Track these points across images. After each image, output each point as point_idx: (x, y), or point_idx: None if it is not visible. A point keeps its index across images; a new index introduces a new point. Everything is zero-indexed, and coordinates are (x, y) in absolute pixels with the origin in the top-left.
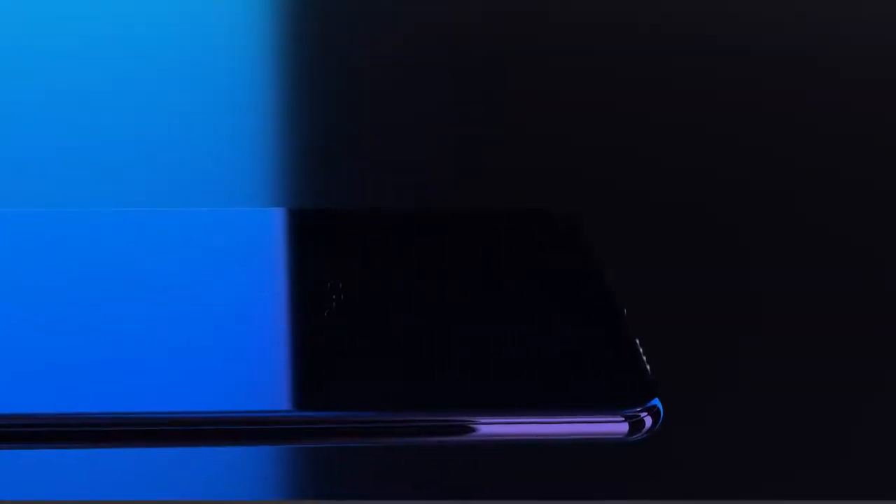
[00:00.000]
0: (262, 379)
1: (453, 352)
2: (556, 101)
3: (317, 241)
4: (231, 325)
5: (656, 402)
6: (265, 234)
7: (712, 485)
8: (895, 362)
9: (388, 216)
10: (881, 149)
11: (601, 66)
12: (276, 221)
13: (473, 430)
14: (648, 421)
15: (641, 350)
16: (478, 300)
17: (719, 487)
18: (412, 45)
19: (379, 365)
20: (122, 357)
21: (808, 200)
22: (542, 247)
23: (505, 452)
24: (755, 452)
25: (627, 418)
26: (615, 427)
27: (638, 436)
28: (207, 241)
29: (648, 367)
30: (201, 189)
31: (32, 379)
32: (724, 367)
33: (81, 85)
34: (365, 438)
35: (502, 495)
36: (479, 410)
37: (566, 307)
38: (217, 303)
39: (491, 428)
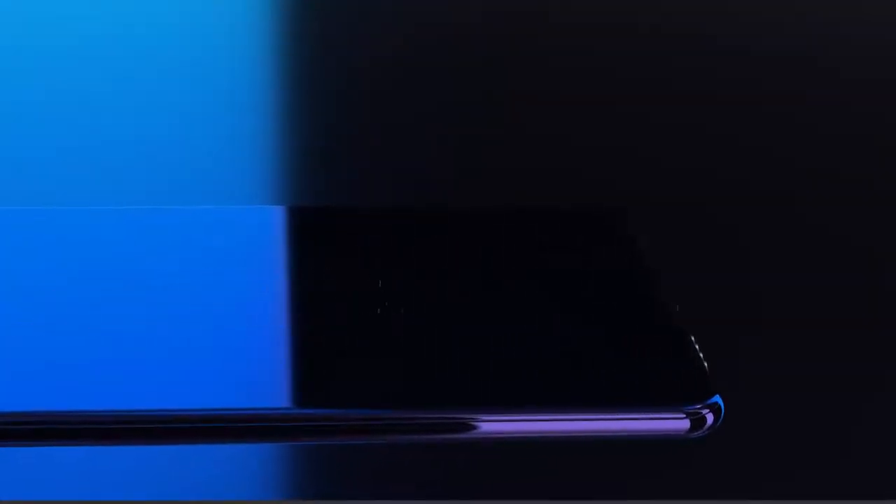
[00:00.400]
0: (263, 377)
1: (466, 350)
2: (556, 101)
3: (317, 239)
4: (231, 323)
5: (717, 399)
6: (265, 232)
7: (712, 484)
8: (895, 362)
9: (389, 215)
10: (881, 149)
11: (601, 66)
12: (276, 219)
13: (499, 427)
14: (710, 418)
15: (697, 346)
16: (501, 297)
17: (719, 487)
18: (412, 45)
19: (380, 364)
20: (122, 356)
21: (808, 200)
22: (577, 245)
23: (505, 452)
24: (755, 452)
25: (689, 415)
26: (676, 424)
27: (699, 433)
28: (207, 239)
29: (706, 363)
30: (201, 190)
31: (33, 378)
32: (724, 367)
33: (81, 85)
34: (367, 436)
35: (504, 495)
36: (527, 408)
37: (618, 304)
38: (217, 301)
39: (550, 425)
